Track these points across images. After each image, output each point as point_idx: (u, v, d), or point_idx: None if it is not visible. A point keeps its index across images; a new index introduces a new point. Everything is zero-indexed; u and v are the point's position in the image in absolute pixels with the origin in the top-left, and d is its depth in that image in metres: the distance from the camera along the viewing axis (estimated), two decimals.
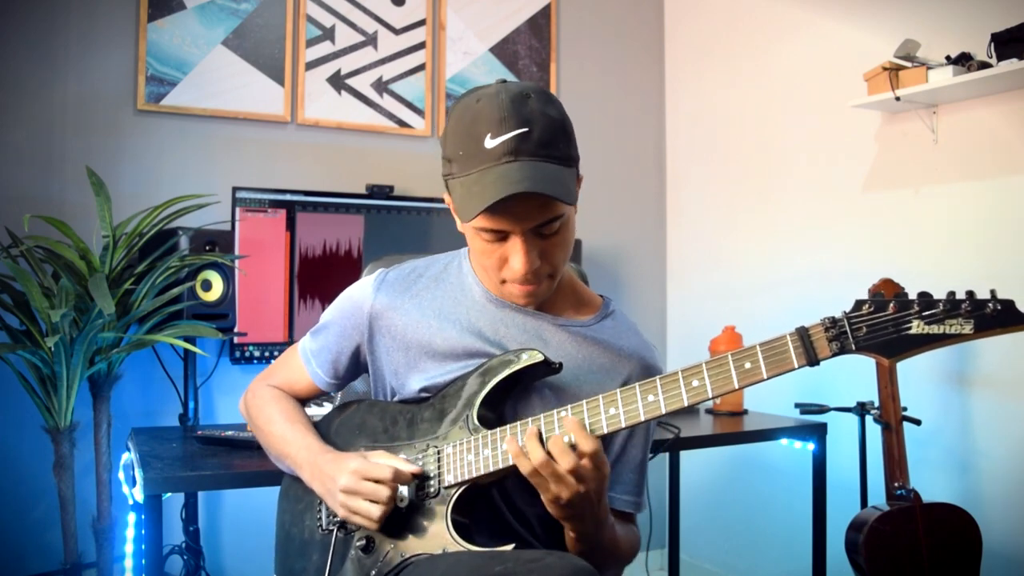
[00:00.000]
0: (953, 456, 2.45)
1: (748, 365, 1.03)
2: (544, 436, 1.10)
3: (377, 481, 1.16)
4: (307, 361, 1.40)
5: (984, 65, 2.26)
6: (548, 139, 1.15)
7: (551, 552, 1.09)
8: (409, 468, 1.18)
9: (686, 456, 3.00)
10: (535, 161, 1.13)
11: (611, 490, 1.27)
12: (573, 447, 1.07)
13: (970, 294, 0.94)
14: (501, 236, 1.17)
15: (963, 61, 2.29)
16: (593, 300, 1.37)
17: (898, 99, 2.40)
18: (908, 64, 2.39)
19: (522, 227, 1.15)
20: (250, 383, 1.47)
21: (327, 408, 1.96)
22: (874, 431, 2.32)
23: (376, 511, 1.16)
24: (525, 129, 1.13)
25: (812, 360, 1.00)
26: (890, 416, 2.25)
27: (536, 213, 1.14)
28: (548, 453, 1.06)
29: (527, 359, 1.20)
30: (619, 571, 1.30)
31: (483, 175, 1.12)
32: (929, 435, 2.44)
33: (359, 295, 1.35)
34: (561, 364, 1.22)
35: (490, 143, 1.13)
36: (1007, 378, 2.35)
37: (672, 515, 2.82)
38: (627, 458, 1.31)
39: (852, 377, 2.49)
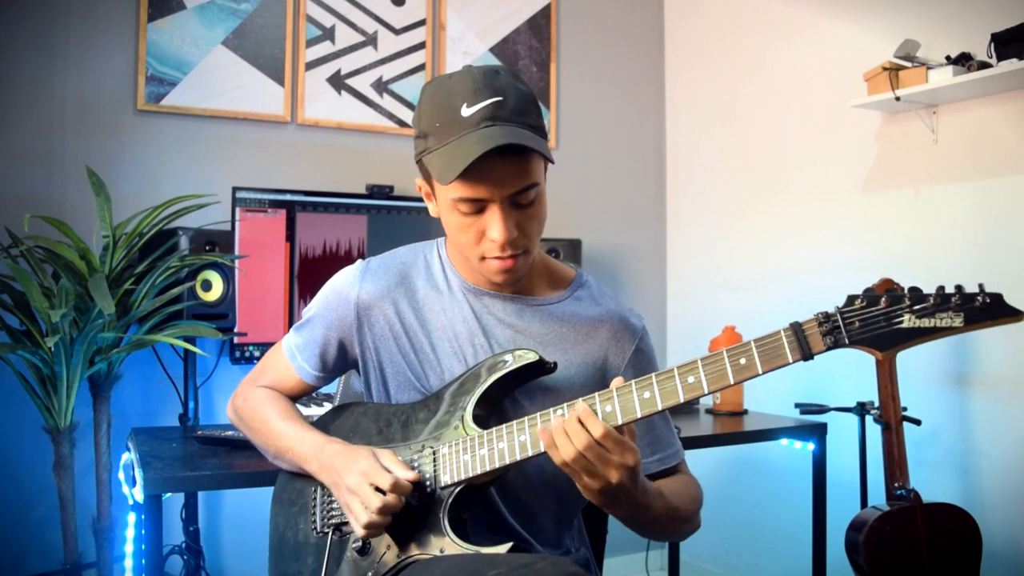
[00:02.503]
0: (953, 456, 2.45)
1: (743, 360, 1.03)
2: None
3: (376, 488, 1.16)
4: (292, 357, 1.38)
5: (984, 65, 2.26)
6: (522, 108, 1.17)
7: (543, 556, 1.09)
8: (409, 475, 1.17)
9: (686, 456, 3.00)
10: (511, 126, 1.14)
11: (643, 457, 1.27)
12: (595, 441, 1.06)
13: (959, 288, 0.96)
14: (479, 208, 1.17)
15: (963, 61, 2.29)
16: (567, 274, 1.38)
17: (898, 99, 2.40)
18: (908, 64, 2.39)
19: (500, 193, 1.15)
20: (236, 388, 1.46)
21: (327, 408, 1.96)
22: (874, 431, 2.31)
23: (363, 518, 1.15)
24: (500, 98, 1.15)
25: (806, 354, 1.01)
26: (890, 416, 2.25)
27: (514, 178, 1.15)
28: (579, 449, 1.06)
29: (521, 359, 1.20)
30: (693, 525, 1.31)
31: (463, 140, 1.13)
32: (929, 435, 2.44)
33: (343, 286, 1.34)
34: (556, 364, 1.22)
35: (467, 111, 1.14)
36: (1007, 378, 2.34)
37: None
38: (645, 422, 1.29)
39: (852, 377, 2.49)
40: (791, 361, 1.01)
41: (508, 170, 1.14)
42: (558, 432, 1.07)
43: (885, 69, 2.41)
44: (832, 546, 2.28)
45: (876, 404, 2.30)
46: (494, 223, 1.17)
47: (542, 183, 1.20)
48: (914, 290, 0.97)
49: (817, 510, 2.29)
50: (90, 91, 2.59)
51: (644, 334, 1.36)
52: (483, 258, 1.22)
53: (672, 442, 1.36)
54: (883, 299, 0.98)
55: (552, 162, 1.18)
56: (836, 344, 0.99)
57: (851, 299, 1.00)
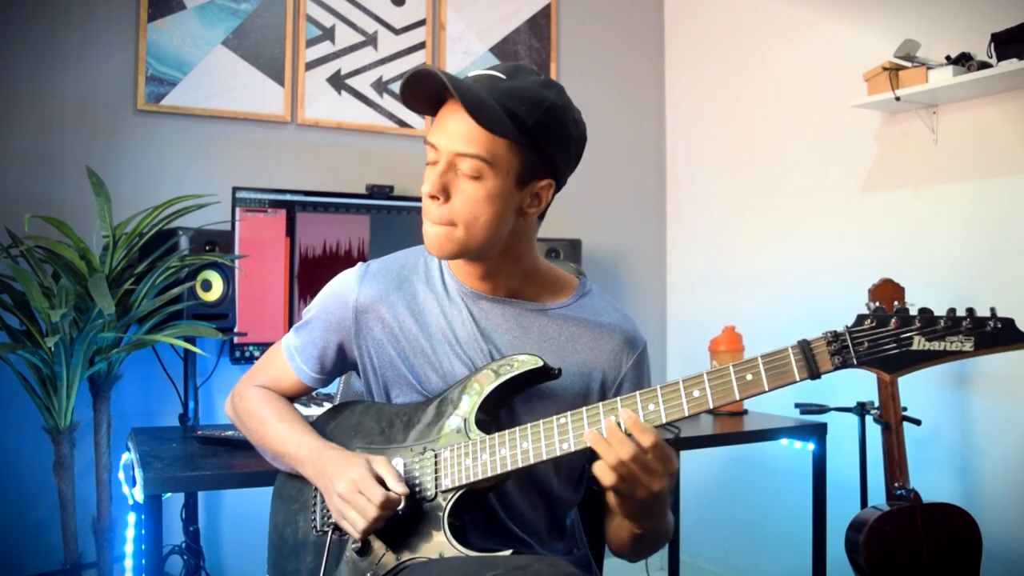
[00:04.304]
0: (953, 456, 2.46)
1: (749, 377, 1.03)
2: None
3: (369, 499, 1.16)
4: (291, 358, 1.38)
5: (984, 65, 2.26)
6: (512, 93, 1.16)
7: (540, 558, 1.09)
8: (397, 491, 1.16)
9: (686, 456, 3.00)
10: (484, 94, 1.14)
11: None
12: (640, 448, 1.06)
13: (970, 311, 0.95)
14: (434, 159, 1.19)
15: (963, 61, 2.29)
16: (570, 282, 1.36)
17: (898, 99, 2.40)
18: (908, 64, 2.39)
19: (445, 144, 1.16)
20: (234, 386, 1.45)
21: (327, 408, 1.96)
22: (874, 431, 2.32)
23: (361, 524, 1.16)
24: (501, 76, 1.18)
25: (814, 373, 1.00)
26: (890, 416, 2.26)
27: (459, 137, 1.15)
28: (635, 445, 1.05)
29: (527, 364, 1.19)
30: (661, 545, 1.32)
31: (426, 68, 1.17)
32: (929, 435, 2.45)
33: (342, 289, 1.34)
34: (560, 370, 1.21)
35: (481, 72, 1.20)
36: (1007, 378, 2.35)
37: (672, 515, 2.82)
38: None
39: (852, 377, 2.47)
40: (798, 379, 1.01)
41: (459, 127, 1.15)
42: (611, 438, 1.06)
43: (885, 69, 2.41)
44: (832, 546, 2.28)
45: (876, 404, 2.30)
46: (428, 174, 1.19)
47: (494, 168, 1.16)
48: (924, 311, 0.97)
49: (817, 510, 2.29)
50: (90, 91, 2.59)
51: (644, 349, 1.35)
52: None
53: None
54: (893, 320, 0.97)
55: (484, 125, 1.12)
56: (844, 364, 0.99)
57: (860, 318, 0.99)
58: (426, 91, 1.17)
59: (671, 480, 1.09)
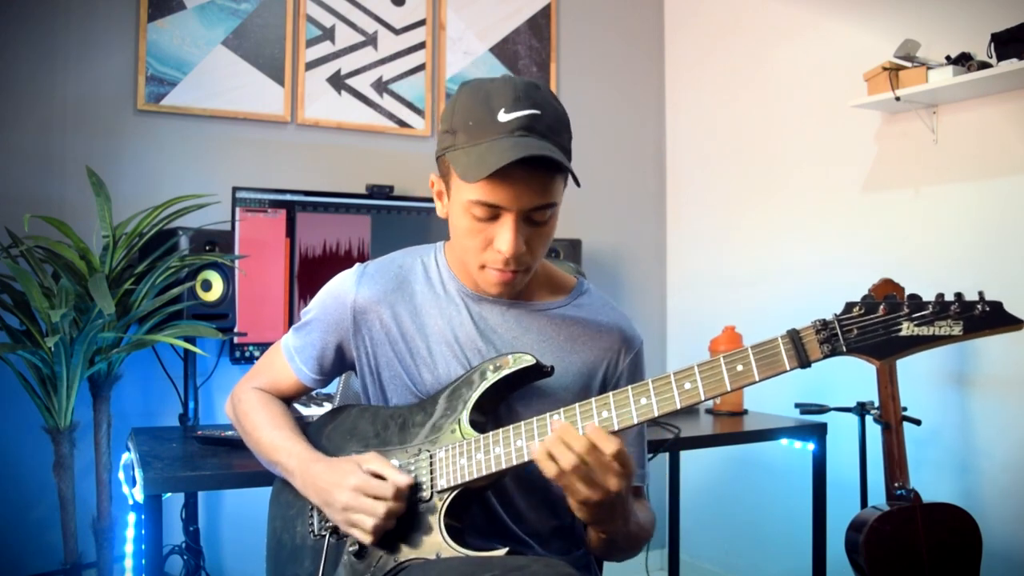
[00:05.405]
0: (953, 456, 2.45)
1: (740, 367, 1.03)
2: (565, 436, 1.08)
3: (377, 498, 1.15)
4: (291, 358, 1.38)
5: (984, 65, 2.26)
6: (557, 127, 1.18)
7: (537, 559, 1.09)
8: (404, 481, 1.16)
9: (686, 456, 3.00)
10: (545, 142, 1.15)
11: None
12: (595, 448, 1.05)
13: (958, 295, 0.95)
14: (493, 215, 1.16)
15: (963, 61, 2.29)
16: (567, 281, 1.37)
17: (898, 99, 2.40)
18: (908, 64, 2.39)
19: (519, 205, 1.15)
20: (234, 387, 1.46)
21: (327, 408, 1.96)
22: (874, 431, 2.31)
23: (370, 523, 1.15)
24: (538, 111, 1.15)
25: (804, 362, 1.00)
26: (890, 416, 2.25)
27: (535, 194, 1.15)
28: (579, 456, 1.05)
29: (517, 363, 1.19)
30: (638, 550, 1.30)
31: (496, 143, 1.13)
32: (929, 435, 2.44)
33: (340, 289, 1.34)
34: (552, 368, 1.21)
35: (504, 117, 1.14)
36: (1007, 378, 2.34)
37: (672, 515, 2.82)
38: (624, 433, 1.31)
39: (852, 377, 2.49)
40: (788, 369, 1.01)
41: (531, 184, 1.14)
42: (555, 443, 1.06)
43: (885, 69, 2.41)
44: (832, 546, 2.28)
45: (876, 404, 2.30)
46: (504, 234, 1.16)
47: (559, 204, 1.20)
48: (913, 297, 0.96)
49: (817, 510, 2.29)
50: (90, 91, 2.59)
51: (641, 347, 1.36)
52: (483, 267, 1.22)
53: (645, 463, 1.36)
54: (881, 306, 0.97)
55: (579, 185, 1.17)
56: (834, 352, 0.99)
57: (849, 306, 0.99)
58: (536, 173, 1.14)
59: (628, 481, 1.08)
